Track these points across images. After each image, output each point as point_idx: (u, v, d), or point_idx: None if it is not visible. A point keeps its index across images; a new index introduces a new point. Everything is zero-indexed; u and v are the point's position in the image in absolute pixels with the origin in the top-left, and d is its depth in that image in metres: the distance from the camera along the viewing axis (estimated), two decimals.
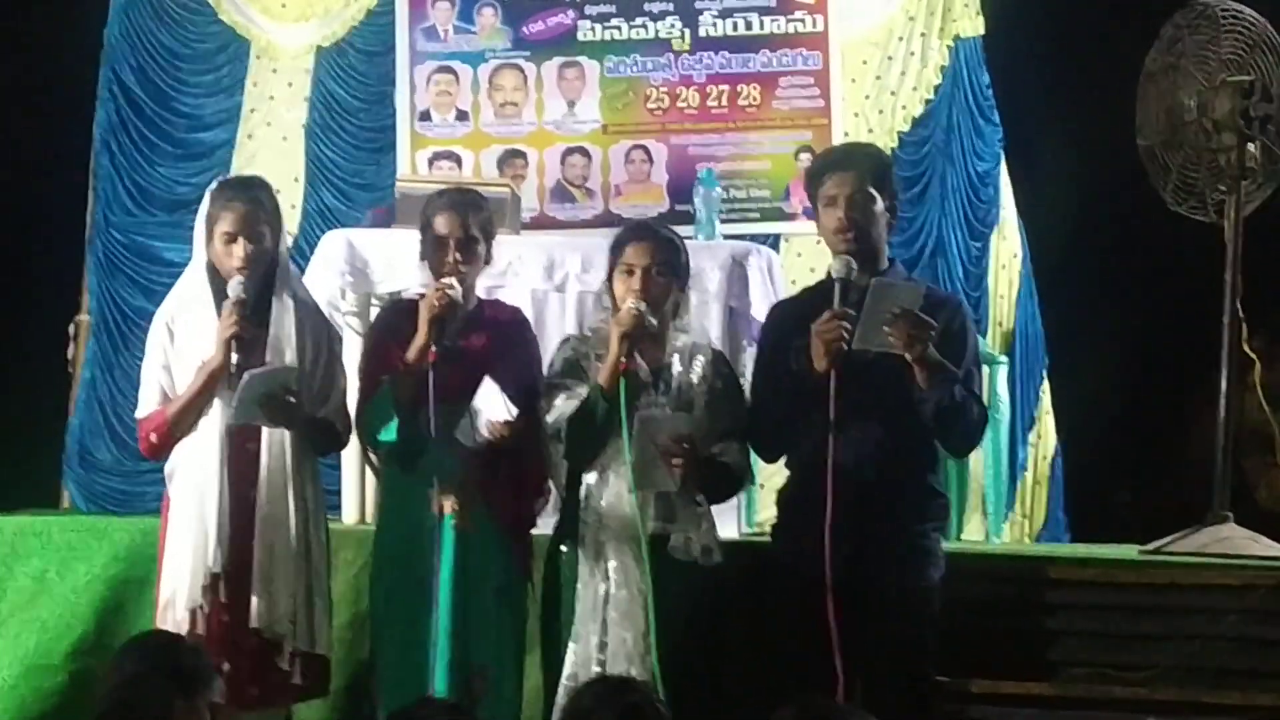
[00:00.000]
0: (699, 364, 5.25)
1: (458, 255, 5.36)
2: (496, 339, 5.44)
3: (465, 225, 5.39)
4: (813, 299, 5.22)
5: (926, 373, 4.98)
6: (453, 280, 5.32)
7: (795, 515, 5.20)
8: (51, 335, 8.15)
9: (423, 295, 5.44)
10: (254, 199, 5.40)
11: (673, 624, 5.05)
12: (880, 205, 5.18)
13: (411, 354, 5.28)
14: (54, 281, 8.22)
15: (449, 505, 5.30)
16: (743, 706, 4.91)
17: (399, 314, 5.52)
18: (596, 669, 5.03)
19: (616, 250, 5.27)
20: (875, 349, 4.95)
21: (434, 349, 5.25)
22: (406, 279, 6.12)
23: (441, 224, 5.40)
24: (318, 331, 5.47)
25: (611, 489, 5.15)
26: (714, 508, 5.27)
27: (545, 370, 5.41)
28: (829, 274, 5.16)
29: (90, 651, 6.30)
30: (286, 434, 5.30)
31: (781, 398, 5.15)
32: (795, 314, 5.24)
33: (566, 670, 5.09)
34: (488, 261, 5.52)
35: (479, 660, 5.29)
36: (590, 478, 5.19)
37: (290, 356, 5.32)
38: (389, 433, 5.32)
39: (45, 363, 8.14)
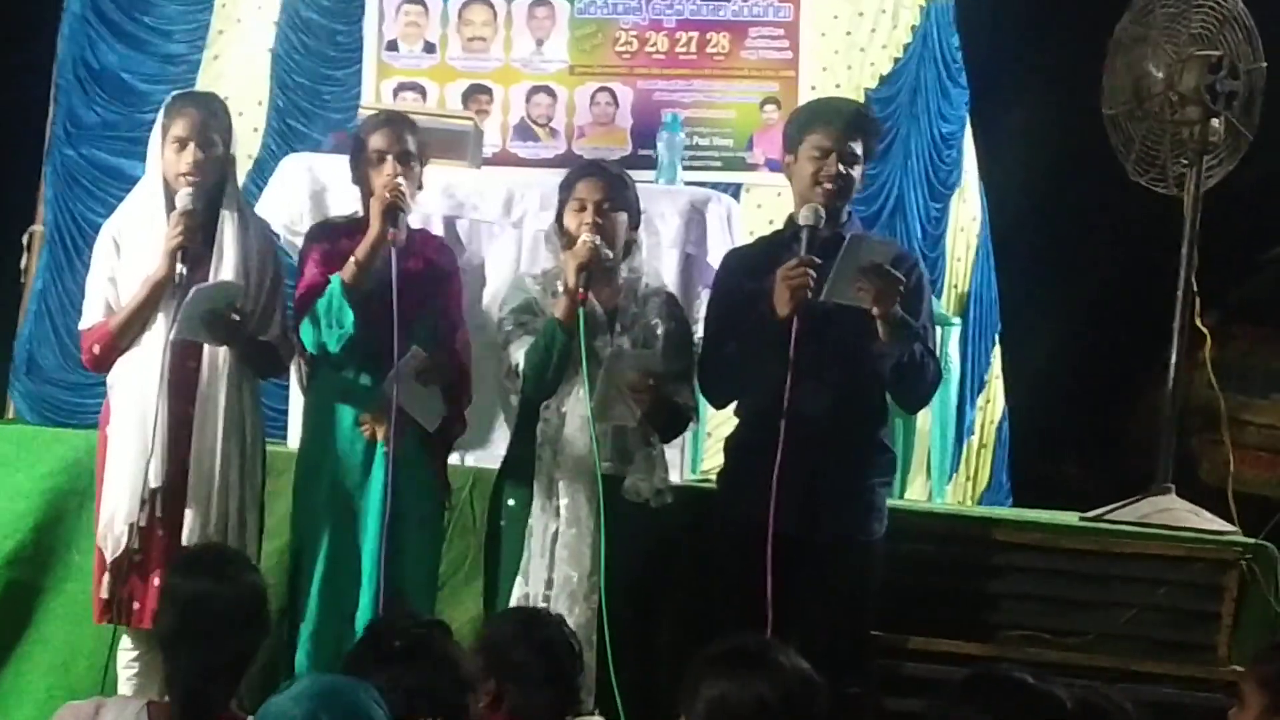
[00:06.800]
0: (655, 306, 5.26)
1: (398, 166, 5.34)
2: (429, 270, 5.42)
3: (401, 140, 5.37)
4: (771, 248, 5.22)
5: (890, 329, 5.00)
6: (400, 179, 5.28)
7: (744, 461, 5.21)
8: (5, 245, 8.09)
9: (350, 218, 5.45)
10: (208, 109, 5.41)
11: (619, 565, 5.07)
12: (861, 165, 5.23)
13: (361, 251, 5.24)
14: (10, 191, 8.14)
15: (381, 431, 5.30)
16: (681, 649, 4.91)
17: (332, 229, 5.51)
18: (542, 604, 5.04)
19: (567, 188, 5.28)
20: (844, 302, 4.97)
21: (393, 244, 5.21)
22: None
23: (379, 139, 5.37)
24: (264, 251, 5.46)
25: (568, 425, 5.16)
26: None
27: (498, 307, 5.41)
28: (789, 222, 5.17)
29: (27, 562, 6.25)
30: (227, 353, 5.29)
31: (736, 343, 5.15)
32: (753, 261, 5.25)
33: (513, 605, 5.08)
34: (419, 188, 5.49)
35: (400, 585, 5.28)
36: (547, 414, 5.19)
37: (235, 271, 5.29)
38: (340, 336, 5.23)
39: None
